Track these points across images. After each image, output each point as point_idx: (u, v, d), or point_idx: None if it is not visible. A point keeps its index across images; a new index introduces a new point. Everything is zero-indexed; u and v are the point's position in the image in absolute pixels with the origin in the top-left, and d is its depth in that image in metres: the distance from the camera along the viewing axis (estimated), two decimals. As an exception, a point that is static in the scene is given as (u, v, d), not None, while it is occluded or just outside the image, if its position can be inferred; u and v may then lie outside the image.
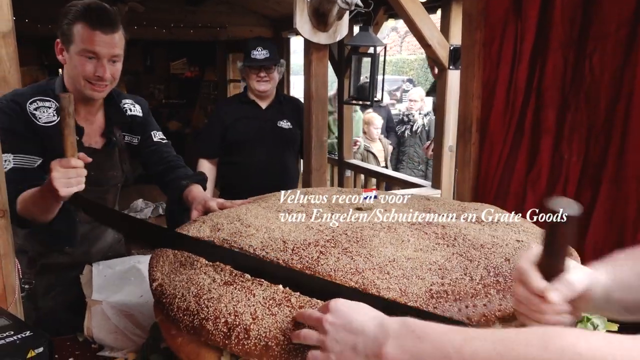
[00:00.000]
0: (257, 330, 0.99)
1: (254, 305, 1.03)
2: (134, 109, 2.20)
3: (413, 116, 6.22)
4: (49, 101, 1.95)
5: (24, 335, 1.41)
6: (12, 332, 1.42)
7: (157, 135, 2.26)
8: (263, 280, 1.10)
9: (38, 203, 1.79)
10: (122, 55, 1.94)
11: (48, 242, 2.08)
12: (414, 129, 6.15)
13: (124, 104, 2.18)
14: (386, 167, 5.65)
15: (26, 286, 2.02)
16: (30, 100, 1.93)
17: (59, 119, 1.92)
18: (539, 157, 2.14)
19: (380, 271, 1.10)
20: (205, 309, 1.06)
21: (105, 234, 2.26)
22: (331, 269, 1.11)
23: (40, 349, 1.40)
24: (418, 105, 6.31)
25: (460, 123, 2.49)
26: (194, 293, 1.11)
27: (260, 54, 3.03)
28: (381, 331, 0.82)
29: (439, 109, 3.60)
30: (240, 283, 1.11)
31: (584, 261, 1.90)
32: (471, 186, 2.42)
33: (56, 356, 1.55)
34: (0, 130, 1.73)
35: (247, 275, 1.12)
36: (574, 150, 2.01)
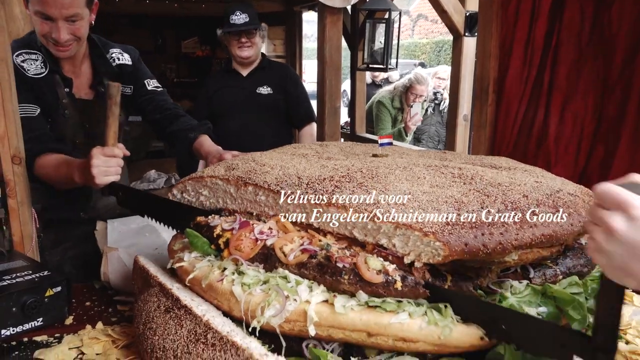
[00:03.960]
0: None
1: (178, 341, 1.07)
2: (123, 57, 2.16)
3: (441, 94, 5.94)
4: (35, 53, 1.93)
5: (42, 275, 1.43)
6: (31, 272, 1.44)
7: (152, 84, 2.22)
8: (192, 307, 1.13)
9: (62, 177, 1.78)
10: (82, 14, 1.84)
11: (64, 209, 2.09)
12: (440, 108, 5.90)
13: (112, 54, 2.13)
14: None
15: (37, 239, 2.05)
16: (17, 53, 1.90)
17: (47, 70, 1.92)
18: (551, 114, 2.10)
19: (395, 202, 1.09)
20: (145, 340, 1.14)
21: None
22: (346, 200, 1.11)
23: (59, 288, 1.42)
24: (446, 83, 6.01)
25: (477, 84, 2.45)
26: (143, 321, 1.18)
27: (239, 18, 2.90)
28: None
29: (453, 77, 3.55)
30: (175, 311, 1.14)
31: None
32: (487, 148, 2.39)
33: (73, 300, 1.57)
34: None
35: (183, 301, 1.15)
36: (589, 106, 1.97)
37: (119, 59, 2.15)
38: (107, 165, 1.62)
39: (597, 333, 0.88)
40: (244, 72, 3.08)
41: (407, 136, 4.90)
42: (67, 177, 1.75)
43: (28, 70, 1.90)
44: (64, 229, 2.15)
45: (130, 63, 2.18)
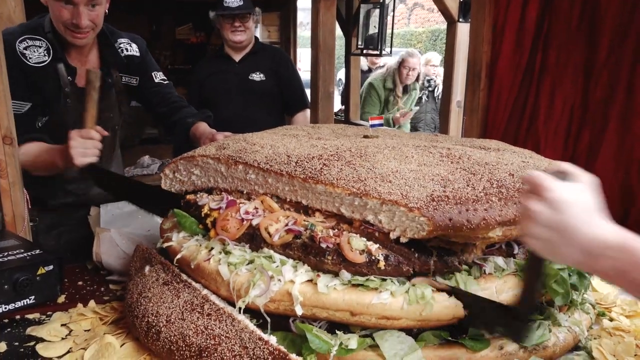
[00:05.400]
0: (166, 334, 1.06)
1: (173, 308, 1.10)
2: (131, 48, 2.14)
3: (434, 81, 5.96)
4: (39, 40, 1.90)
5: (34, 253, 1.44)
6: (23, 250, 1.45)
7: (158, 77, 2.22)
8: (191, 282, 1.16)
9: (43, 163, 1.81)
10: (101, 0, 1.85)
11: (59, 195, 2.11)
12: (435, 94, 5.93)
13: (120, 44, 2.12)
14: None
15: (30, 223, 2.06)
16: (20, 38, 1.88)
17: (50, 59, 1.90)
18: (541, 98, 2.11)
19: (382, 180, 1.10)
20: (138, 307, 1.15)
21: None
22: (334, 177, 1.12)
23: (51, 267, 1.43)
24: (438, 70, 6.01)
25: (469, 69, 2.46)
26: (138, 291, 1.20)
27: (233, 1, 2.85)
28: (595, 248, 0.76)
29: (447, 64, 3.55)
30: (174, 284, 1.17)
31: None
32: (479, 132, 2.40)
33: (65, 280, 1.58)
34: None
35: (183, 276, 1.18)
36: (578, 90, 1.98)
37: (127, 49, 2.13)
38: (85, 146, 1.69)
39: (522, 305, 0.94)
40: (237, 57, 3.05)
41: (394, 127, 4.89)
42: (49, 162, 1.80)
43: (30, 58, 1.87)
44: (60, 214, 2.15)
45: (138, 54, 2.16)
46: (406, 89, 5.08)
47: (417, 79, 5.10)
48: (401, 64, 4.80)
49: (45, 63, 1.90)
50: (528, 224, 0.81)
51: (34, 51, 1.89)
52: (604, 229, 0.78)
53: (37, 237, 2.07)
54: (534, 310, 0.96)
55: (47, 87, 1.91)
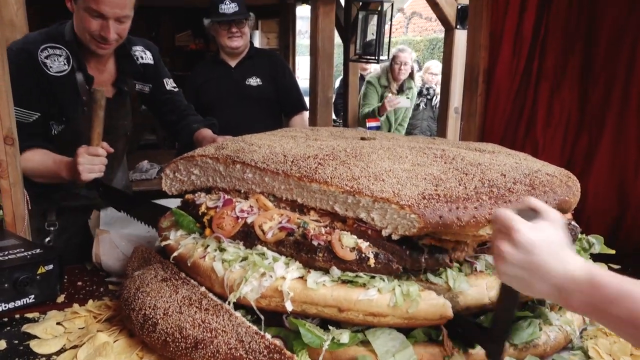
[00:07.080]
0: (162, 326, 1.08)
1: (171, 302, 1.12)
2: (145, 56, 2.17)
3: (433, 89, 5.86)
4: (60, 49, 1.92)
5: (34, 252, 1.45)
6: (23, 250, 1.47)
7: (169, 84, 2.25)
8: (190, 279, 1.19)
9: (48, 171, 1.85)
10: (130, 15, 1.89)
11: (73, 198, 2.11)
12: (433, 103, 5.93)
13: (135, 52, 2.14)
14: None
15: (51, 228, 2.08)
16: (42, 47, 1.89)
17: (70, 68, 1.93)
18: (538, 104, 2.14)
19: (375, 178, 1.13)
20: (135, 300, 1.17)
21: (115, 179, 2.30)
22: (328, 176, 1.14)
23: (51, 266, 1.45)
24: (437, 78, 6.04)
25: (467, 75, 2.48)
26: (136, 286, 1.22)
27: (229, 7, 2.84)
28: (566, 285, 0.78)
29: (444, 70, 3.59)
30: (172, 280, 1.19)
31: (586, 205, 1.92)
32: (476, 137, 2.43)
33: (65, 281, 1.59)
34: None
35: (182, 274, 1.21)
36: (575, 95, 2.01)
37: (142, 57, 2.15)
38: (92, 163, 1.76)
39: (495, 327, 0.99)
40: (232, 63, 3.05)
41: (380, 116, 4.92)
42: (53, 171, 1.85)
43: (50, 67, 1.89)
44: (70, 218, 2.16)
45: (152, 63, 2.18)
46: (402, 88, 5.12)
47: (411, 76, 5.10)
48: (393, 60, 4.83)
49: (65, 72, 1.92)
50: (498, 263, 0.83)
51: (55, 60, 1.91)
52: (572, 266, 0.79)
53: (54, 241, 2.08)
54: (508, 333, 0.99)
55: (65, 95, 1.93)
